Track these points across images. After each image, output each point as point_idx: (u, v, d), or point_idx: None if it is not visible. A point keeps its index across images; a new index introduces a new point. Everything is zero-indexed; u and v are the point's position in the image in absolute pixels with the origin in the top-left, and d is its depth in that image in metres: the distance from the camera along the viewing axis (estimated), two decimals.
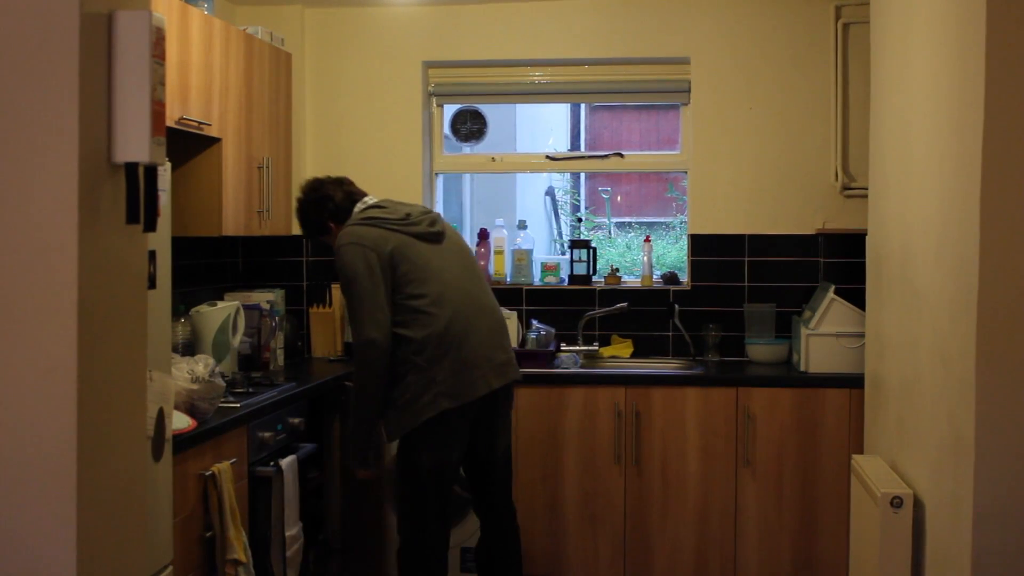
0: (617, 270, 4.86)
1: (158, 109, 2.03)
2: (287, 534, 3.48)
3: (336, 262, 3.45)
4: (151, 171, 2.08)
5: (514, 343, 4.52)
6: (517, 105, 6.05)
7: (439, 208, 5.01)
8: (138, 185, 2.06)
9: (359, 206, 3.59)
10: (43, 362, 1.89)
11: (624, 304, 4.67)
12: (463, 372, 3.39)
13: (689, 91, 4.71)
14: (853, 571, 3.66)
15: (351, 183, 3.69)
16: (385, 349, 3.35)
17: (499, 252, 4.85)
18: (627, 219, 6.89)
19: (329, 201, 3.60)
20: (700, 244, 4.70)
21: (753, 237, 4.65)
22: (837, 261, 4.53)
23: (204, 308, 3.93)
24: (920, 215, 3.15)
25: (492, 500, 3.71)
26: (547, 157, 5.03)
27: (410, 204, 3.63)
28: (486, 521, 3.74)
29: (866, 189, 4.06)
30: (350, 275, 3.38)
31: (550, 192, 6.61)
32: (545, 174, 6.39)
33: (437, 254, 3.49)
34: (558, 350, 4.59)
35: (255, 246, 4.80)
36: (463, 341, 3.40)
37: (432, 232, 3.52)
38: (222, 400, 3.29)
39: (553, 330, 4.56)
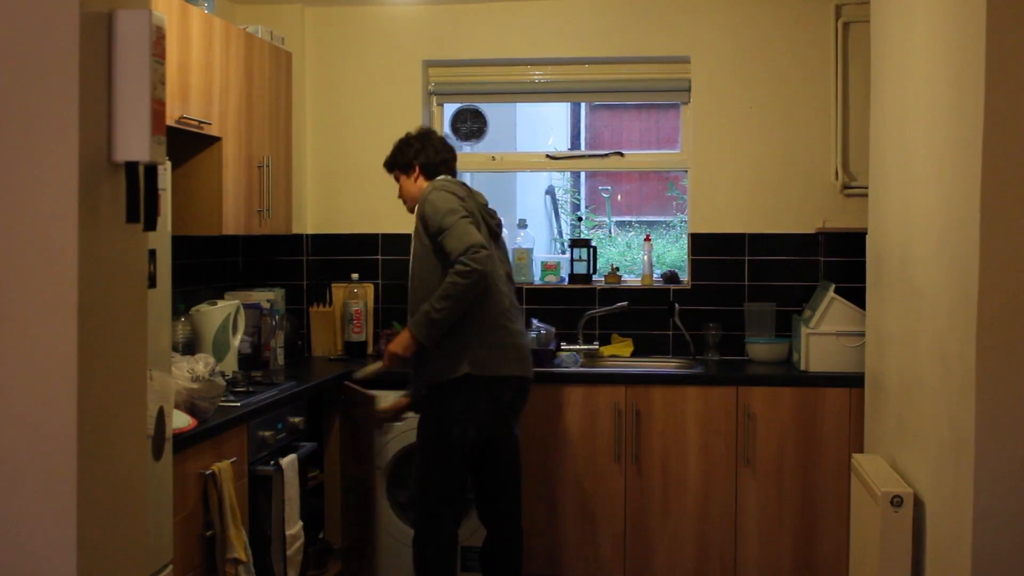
0: (617, 269, 4.86)
1: (158, 108, 2.03)
2: (287, 533, 3.49)
3: (424, 207, 3.55)
4: (151, 170, 2.08)
5: None
6: (517, 104, 6.04)
7: None
8: (138, 184, 2.06)
9: (441, 179, 3.72)
10: (43, 362, 1.89)
11: (624, 303, 4.67)
12: (493, 349, 3.54)
13: (689, 90, 4.71)
14: (853, 570, 3.66)
15: (455, 159, 3.84)
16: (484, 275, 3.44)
17: None
18: (627, 218, 6.87)
19: (433, 151, 3.76)
20: (700, 243, 4.70)
21: (753, 236, 4.65)
22: (837, 260, 4.53)
23: (204, 307, 3.93)
24: (920, 215, 3.15)
25: (499, 506, 3.76)
26: (547, 156, 5.03)
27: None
28: (491, 525, 3.76)
29: (866, 188, 4.06)
30: (447, 209, 3.48)
31: (550, 191, 6.60)
32: (545, 173, 6.38)
33: (494, 251, 3.65)
34: (558, 349, 4.58)
35: (255, 245, 4.80)
36: (495, 313, 3.56)
37: (496, 230, 3.74)
38: (222, 399, 3.29)
39: (553, 329, 4.55)
